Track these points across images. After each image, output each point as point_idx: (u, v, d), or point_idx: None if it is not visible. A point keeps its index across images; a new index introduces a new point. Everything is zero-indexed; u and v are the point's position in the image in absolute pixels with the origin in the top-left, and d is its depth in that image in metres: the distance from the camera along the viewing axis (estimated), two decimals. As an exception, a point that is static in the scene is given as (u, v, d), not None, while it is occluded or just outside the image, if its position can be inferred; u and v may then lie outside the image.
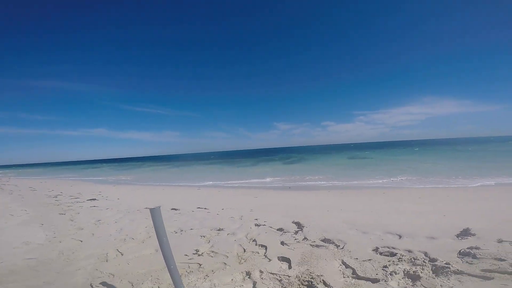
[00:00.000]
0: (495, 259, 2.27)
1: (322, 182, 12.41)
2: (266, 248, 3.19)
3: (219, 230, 4.13)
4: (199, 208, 6.11)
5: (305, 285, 2.22)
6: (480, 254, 2.42)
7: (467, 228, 3.39)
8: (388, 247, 3.00)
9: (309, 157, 34.80)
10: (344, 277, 2.32)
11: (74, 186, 14.16)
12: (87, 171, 36.12)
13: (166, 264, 1.84)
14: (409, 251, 2.82)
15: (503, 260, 2.22)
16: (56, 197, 9.07)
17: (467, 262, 2.33)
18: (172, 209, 6.05)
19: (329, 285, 2.15)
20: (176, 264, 1.88)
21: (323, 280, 2.26)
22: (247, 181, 14.79)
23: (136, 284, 2.35)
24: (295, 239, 3.51)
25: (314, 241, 3.37)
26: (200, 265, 2.77)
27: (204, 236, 3.80)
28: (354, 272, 2.41)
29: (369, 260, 2.65)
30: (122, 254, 3.19)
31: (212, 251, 3.18)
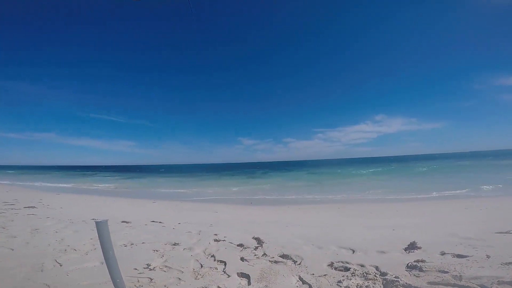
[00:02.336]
0: (439, 271, 2.46)
1: (283, 197, 12.68)
2: (225, 264, 3.07)
3: (174, 244, 3.89)
4: (153, 221, 5.74)
5: (262, 304, 2.16)
6: (425, 267, 2.60)
7: (414, 242, 3.63)
8: (342, 262, 3.09)
9: (271, 172, 35.34)
10: (301, 294, 2.32)
11: (11, 191, 12.54)
12: (28, 176, 32.22)
13: (111, 278, 1.69)
14: (362, 266, 2.92)
15: (446, 272, 2.40)
16: (-15, 202, 7.88)
17: (414, 275, 2.48)
18: (123, 221, 5.59)
19: (286, 303, 2.12)
20: (125, 278, 1.72)
21: (280, 297, 2.22)
22: (207, 197, 14.46)
23: None
24: (255, 255, 3.45)
25: (273, 257, 3.34)
26: (152, 279, 2.57)
27: (157, 251, 3.55)
28: (310, 287, 2.41)
29: (325, 275, 2.69)
30: (60, 265, 2.87)
31: (166, 266, 2.98)
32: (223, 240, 4.17)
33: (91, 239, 3.99)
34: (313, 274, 2.74)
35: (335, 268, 2.92)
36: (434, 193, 11.68)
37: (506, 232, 3.65)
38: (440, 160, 49.20)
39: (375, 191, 13.36)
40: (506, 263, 2.44)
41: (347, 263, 3.05)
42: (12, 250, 3.32)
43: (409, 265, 2.78)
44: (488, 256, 2.71)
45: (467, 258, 2.77)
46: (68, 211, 6.90)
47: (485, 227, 4.16)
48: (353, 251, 3.53)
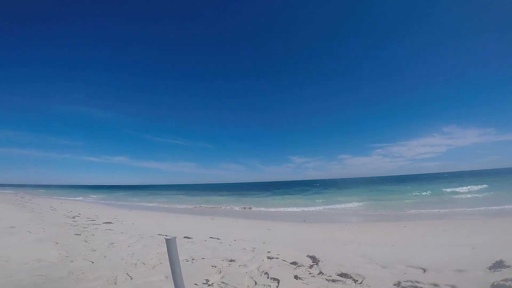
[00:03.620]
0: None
1: (339, 215, 12.00)
2: (278, 282, 3.03)
3: (230, 261, 3.99)
4: (211, 237, 6.00)
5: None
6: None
7: (501, 260, 3.11)
8: (412, 281, 2.80)
9: (325, 190, 33.82)
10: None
11: (93, 208, 14.42)
12: (106, 194, 36.86)
13: None
14: (435, 285, 2.61)
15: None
16: (74, 217, 9.26)
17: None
18: (185, 237, 5.98)
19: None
20: None
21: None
22: (260, 212, 14.58)
23: None
24: (310, 273, 3.32)
25: (330, 276, 3.17)
26: None
27: (215, 266, 3.68)
28: (374, 311, 2.21)
29: (391, 296, 2.45)
30: (131, 278, 3.14)
31: (223, 282, 3.06)
32: (276, 258, 4.12)
33: (157, 253, 4.34)
34: (377, 295, 2.51)
35: (403, 287, 2.63)
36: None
37: None
38: None
39: (445, 207, 11.79)
40: None
41: (417, 282, 2.76)
42: (92, 263, 3.76)
43: (494, 284, 2.38)
44: None
45: None
46: (138, 227, 7.56)
47: None
48: (424, 270, 3.17)
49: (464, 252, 3.85)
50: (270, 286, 2.95)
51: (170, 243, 1.76)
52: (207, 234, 6.47)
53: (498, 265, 2.97)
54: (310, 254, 4.25)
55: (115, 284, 2.94)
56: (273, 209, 15.87)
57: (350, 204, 15.39)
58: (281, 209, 15.81)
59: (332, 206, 15.26)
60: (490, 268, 2.95)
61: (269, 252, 4.53)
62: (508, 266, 2.86)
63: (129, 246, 4.85)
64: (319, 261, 3.88)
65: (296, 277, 3.19)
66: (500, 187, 19.10)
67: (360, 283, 2.89)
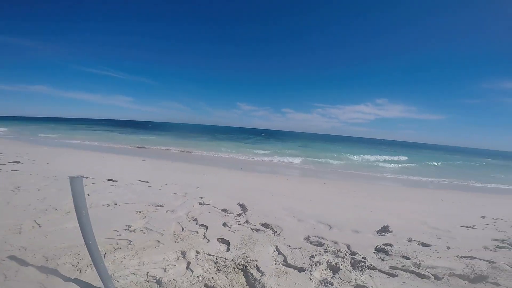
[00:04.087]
0: (402, 257, 2.68)
1: (274, 167, 12.99)
2: (206, 228, 3.24)
3: (158, 206, 4.01)
4: (140, 181, 5.82)
5: (240, 269, 2.35)
6: (392, 251, 2.82)
7: (387, 226, 3.87)
8: (318, 237, 3.29)
9: (267, 141, 35.60)
10: (275, 263, 2.51)
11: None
12: (18, 127, 30.94)
13: (84, 239, 1.69)
14: (335, 243, 3.13)
15: (408, 258, 2.63)
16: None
17: (380, 258, 2.71)
18: (109, 179, 5.66)
19: (261, 271, 2.30)
20: (104, 240, 1.77)
21: (256, 265, 2.41)
22: (198, 159, 14.68)
23: (52, 259, 2.18)
24: (238, 221, 3.64)
25: (255, 225, 3.54)
26: (130, 241, 2.68)
27: (140, 212, 3.66)
28: (285, 259, 2.61)
29: (300, 248, 2.90)
30: (40, 226, 2.89)
31: (146, 228, 3.10)
32: (208, 204, 4.33)
33: None
34: (289, 246, 2.95)
35: (311, 242, 3.14)
36: (419, 178, 12.31)
37: (469, 227, 3.93)
38: (434, 150, 50.36)
39: (364, 172, 13.85)
40: (461, 256, 2.67)
41: (323, 238, 3.26)
42: (-9, 210, 3.27)
43: (377, 247, 3.01)
44: (448, 248, 2.96)
45: (430, 247, 3.01)
46: (54, 168, 6.73)
47: (453, 220, 4.45)
48: (330, 227, 3.74)
49: (363, 214, 4.69)
50: (197, 232, 3.13)
51: (74, 182, 1.62)
52: (135, 177, 6.26)
53: (384, 230, 3.72)
54: (241, 202, 4.60)
55: (20, 233, 2.68)
56: (213, 154, 16.15)
57: (287, 157, 16.77)
58: (221, 155, 16.23)
59: (271, 158, 16.36)
60: (377, 232, 3.67)
61: (201, 198, 4.72)
62: (390, 232, 3.60)
63: (39, 190, 4.35)
64: (247, 209, 4.25)
65: (224, 224, 3.46)
66: (418, 160, 23.04)
67: (278, 234, 3.32)
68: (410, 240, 3.32)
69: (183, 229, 3.15)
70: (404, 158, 23.40)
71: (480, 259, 2.57)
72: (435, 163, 21.21)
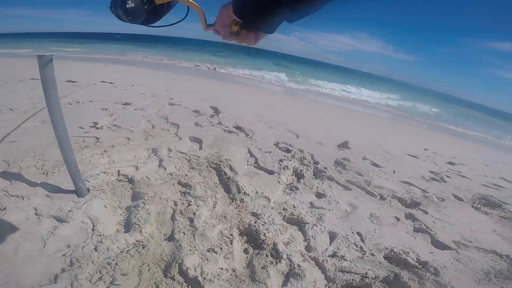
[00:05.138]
0: (357, 173, 3.01)
1: (248, 80, 12.40)
2: (178, 127, 3.16)
3: (125, 104, 3.68)
4: (103, 82, 5.13)
5: (213, 168, 2.44)
6: (348, 166, 3.13)
7: (346, 142, 4.17)
8: (286, 144, 3.47)
9: (240, 55, 32.47)
10: (247, 165, 2.66)
11: None
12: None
13: (52, 125, 1.49)
14: (301, 151, 3.35)
15: (361, 175, 2.96)
16: None
17: (338, 170, 3.02)
18: (68, 81, 4.87)
19: (234, 170, 2.43)
20: (68, 136, 1.58)
21: (229, 164, 2.52)
22: (166, 62, 13.02)
23: (13, 163, 1.96)
24: (210, 122, 3.59)
25: (228, 127, 3.55)
26: (98, 139, 2.53)
27: (106, 109, 3.35)
28: (256, 161, 2.77)
29: (270, 152, 3.06)
30: None
31: (114, 125, 2.91)
32: (179, 105, 4.12)
33: (30, 98, 3.48)
34: (261, 149, 3.09)
35: (279, 148, 3.31)
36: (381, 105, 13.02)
37: (414, 156, 4.46)
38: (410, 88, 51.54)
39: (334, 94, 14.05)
40: (403, 181, 3.04)
41: (290, 145, 3.45)
42: None
43: (337, 160, 3.31)
44: (394, 171, 3.35)
45: (380, 168, 3.38)
46: (3, 71, 5.80)
47: (402, 148, 4.97)
48: (297, 136, 3.93)
49: (328, 129, 4.97)
50: (169, 130, 3.04)
51: (43, 60, 1.35)
52: (97, 78, 5.51)
53: (343, 145, 4.02)
54: (213, 106, 4.47)
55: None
56: (181, 64, 14.57)
57: (262, 72, 15.90)
58: (190, 64, 14.75)
59: (244, 71, 15.38)
60: (338, 146, 3.98)
61: (171, 99, 4.45)
62: (349, 148, 3.90)
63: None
64: (220, 112, 4.18)
65: (196, 124, 3.40)
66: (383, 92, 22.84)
67: (250, 137, 3.41)
68: (364, 158, 3.66)
69: (153, 127, 3.03)
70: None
71: (417, 187, 2.95)
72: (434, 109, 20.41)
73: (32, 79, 5.02)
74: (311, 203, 2.21)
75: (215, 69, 14.07)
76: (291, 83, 14.41)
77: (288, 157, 3.04)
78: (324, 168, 2.90)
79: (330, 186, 2.56)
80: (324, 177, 2.70)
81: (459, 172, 3.85)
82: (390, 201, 2.54)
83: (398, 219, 2.21)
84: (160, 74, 8.81)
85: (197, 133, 3.09)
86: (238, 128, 3.65)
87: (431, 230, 2.09)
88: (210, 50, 33.71)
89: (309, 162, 3.01)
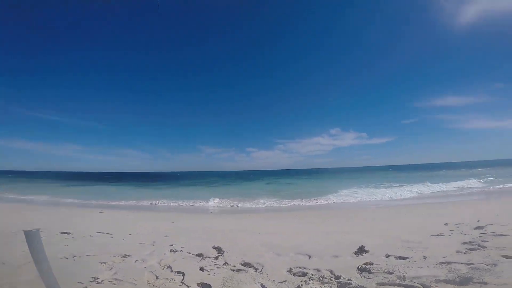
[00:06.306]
0: (385, 272, 2.72)
1: (243, 205, 12.75)
2: (183, 275, 2.97)
3: (124, 256, 3.61)
4: (99, 232, 5.27)
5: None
6: (374, 269, 2.85)
7: (362, 246, 3.95)
8: (300, 267, 3.22)
9: (233, 182, 35.32)
10: (263, 301, 2.36)
11: None
12: None
13: None
14: (318, 270, 3.08)
15: (391, 273, 2.67)
16: None
17: (364, 277, 2.71)
18: (63, 232, 5.04)
19: (249, 311, 2.14)
20: None
21: (243, 306, 2.23)
22: (162, 203, 13.89)
23: None
24: (216, 264, 3.41)
25: (235, 266, 3.34)
26: None
27: (104, 263, 3.27)
28: (272, 294, 2.47)
29: (284, 281, 2.79)
30: None
31: (115, 279, 2.76)
32: (180, 251, 4.02)
33: (23, 251, 3.53)
34: (274, 280, 2.82)
35: (294, 274, 3.04)
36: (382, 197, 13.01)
37: (437, 235, 4.18)
38: (392, 171, 54.37)
39: (329, 199, 14.19)
40: (440, 263, 2.80)
41: (304, 268, 3.19)
42: None
43: (359, 267, 3.03)
44: (425, 257, 3.09)
45: (408, 259, 3.11)
46: None
47: (421, 231, 4.71)
48: (309, 257, 3.69)
49: (338, 238, 4.74)
50: (174, 279, 2.86)
51: (31, 236, 1.48)
52: (93, 229, 5.67)
53: (361, 250, 3.79)
54: (216, 245, 4.34)
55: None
56: (179, 203, 15.27)
57: (257, 197, 16.44)
58: (186, 202, 15.43)
59: (238, 198, 15.92)
60: (355, 253, 3.72)
61: (172, 245, 4.37)
62: (367, 251, 3.67)
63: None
64: (224, 251, 4.01)
65: (202, 268, 3.21)
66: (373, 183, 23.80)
67: (260, 271, 3.16)
68: (387, 256, 3.40)
69: (157, 278, 2.85)
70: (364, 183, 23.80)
71: (459, 263, 2.70)
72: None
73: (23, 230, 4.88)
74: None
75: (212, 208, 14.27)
76: (286, 201, 14.45)
77: (305, 281, 2.77)
78: (348, 279, 2.63)
79: (360, 296, 2.23)
80: (351, 288, 2.39)
81: (492, 233, 3.56)
82: (435, 286, 2.21)
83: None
84: (158, 217, 8.82)
85: (204, 278, 2.87)
86: (246, 264, 3.44)
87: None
88: (204, 182, 35.27)
89: (330, 279, 2.74)
